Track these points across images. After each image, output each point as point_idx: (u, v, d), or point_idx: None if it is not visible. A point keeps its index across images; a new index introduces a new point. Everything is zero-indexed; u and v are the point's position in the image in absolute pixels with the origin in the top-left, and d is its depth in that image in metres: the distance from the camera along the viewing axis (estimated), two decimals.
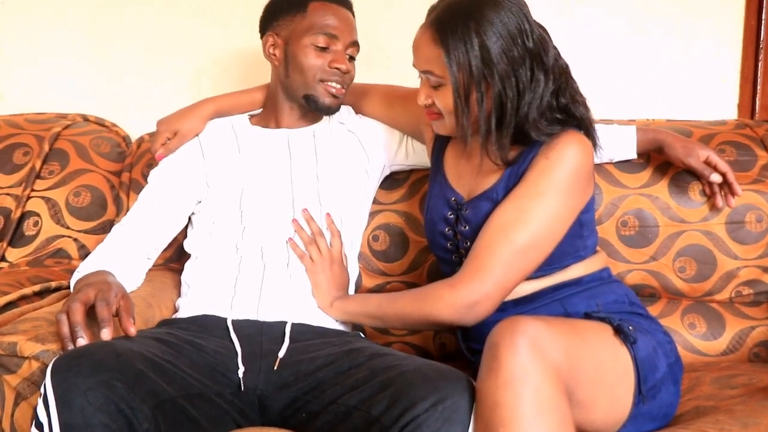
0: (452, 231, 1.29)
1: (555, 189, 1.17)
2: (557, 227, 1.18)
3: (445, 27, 1.16)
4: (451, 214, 1.29)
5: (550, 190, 1.16)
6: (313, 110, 1.45)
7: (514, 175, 1.21)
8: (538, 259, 1.19)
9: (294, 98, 1.45)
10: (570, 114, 1.21)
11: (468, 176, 1.29)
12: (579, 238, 1.23)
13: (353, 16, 1.47)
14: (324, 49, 1.40)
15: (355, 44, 1.44)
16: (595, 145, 1.24)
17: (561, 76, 1.20)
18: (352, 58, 1.45)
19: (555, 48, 1.21)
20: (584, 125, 1.22)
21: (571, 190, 1.18)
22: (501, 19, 1.15)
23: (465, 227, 1.25)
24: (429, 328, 1.51)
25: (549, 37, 1.21)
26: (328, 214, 1.40)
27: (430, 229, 1.34)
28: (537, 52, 1.17)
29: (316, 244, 1.37)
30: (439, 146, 1.38)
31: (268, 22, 1.46)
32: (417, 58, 1.23)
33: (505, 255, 1.16)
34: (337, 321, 1.37)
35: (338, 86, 1.42)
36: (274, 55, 1.45)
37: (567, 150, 1.17)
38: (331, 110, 1.44)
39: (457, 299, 1.17)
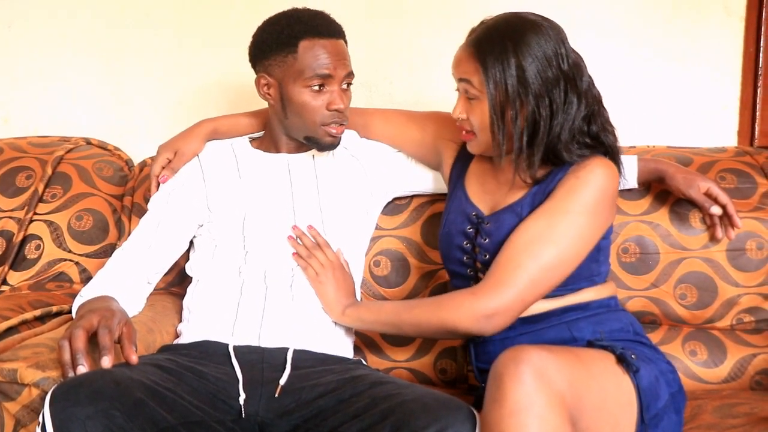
0: (470, 244, 1.30)
1: (583, 208, 1.19)
2: (582, 246, 1.21)
3: (484, 46, 1.21)
4: (470, 228, 1.30)
5: (578, 209, 1.19)
6: (315, 149, 1.44)
7: (541, 193, 1.24)
8: (561, 276, 1.21)
9: (293, 137, 1.45)
10: (599, 141, 1.24)
11: (491, 193, 1.31)
12: (595, 262, 1.25)
13: (345, 40, 1.41)
14: (320, 90, 1.37)
15: (349, 75, 1.40)
16: (619, 173, 1.27)
17: (593, 102, 1.24)
18: (345, 86, 1.41)
19: (589, 76, 1.25)
20: (611, 153, 1.26)
21: (597, 211, 1.20)
22: (538, 41, 1.19)
23: (485, 240, 1.27)
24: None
25: (584, 64, 1.25)
26: (310, 227, 1.40)
27: (446, 243, 1.35)
28: (571, 76, 1.21)
29: (315, 257, 1.37)
30: (461, 165, 1.40)
31: (258, 60, 1.41)
32: (456, 70, 1.27)
33: (530, 269, 1.18)
34: (343, 338, 1.38)
35: (339, 126, 1.39)
36: (269, 94, 1.42)
37: (596, 171, 1.21)
38: (333, 147, 1.43)
39: (477, 308, 1.18)
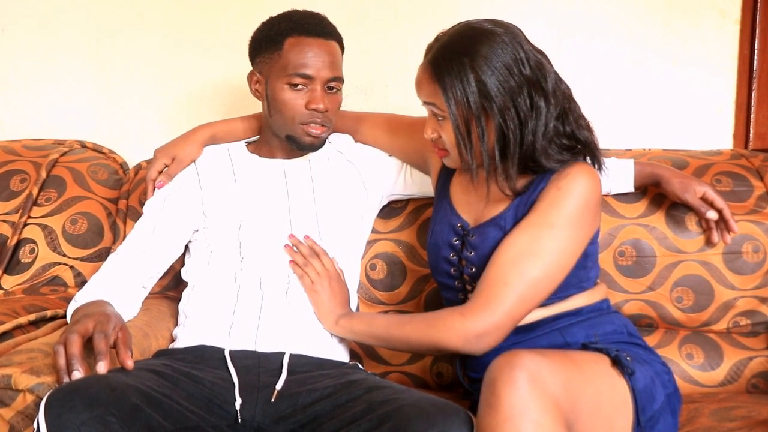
0: (457, 257, 1.29)
1: (566, 220, 1.17)
2: (568, 259, 1.19)
3: (441, 66, 1.18)
4: (456, 240, 1.29)
5: (562, 222, 1.17)
6: (295, 149, 1.44)
7: (523, 204, 1.22)
8: (549, 289, 1.19)
9: (279, 137, 1.44)
10: (576, 139, 1.22)
11: (475, 204, 1.30)
12: (583, 269, 1.24)
13: (338, 42, 1.41)
14: (301, 88, 1.36)
15: (336, 79, 1.38)
16: (600, 168, 1.25)
17: (563, 100, 1.21)
18: (330, 89, 1.39)
19: (555, 72, 1.21)
20: (590, 150, 1.23)
21: (581, 222, 1.19)
22: (494, 51, 1.16)
23: (471, 253, 1.26)
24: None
25: (548, 62, 1.21)
26: (307, 236, 1.40)
27: (434, 255, 1.34)
28: (535, 79, 1.17)
29: (311, 265, 1.37)
30: (446, 174, 1.38)
31: (252, 58, 1.43)
32: (419, 93, 1.25)
33: (517, 286, 1.17)
34: (338, 344, 1.38)
35: (318, 127, 1.38)
36: (258, 91, 1.43)
37: (577, 181, 1.18)
38: (313, 148, 1.42)
39: (467, 328, 1.17)
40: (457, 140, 1.19)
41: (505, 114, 1.16)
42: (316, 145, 1.42)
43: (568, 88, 1.23)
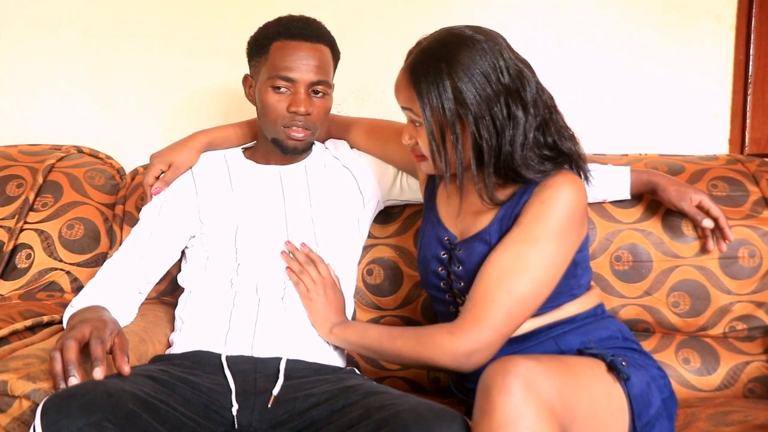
0: (445, 270, 1.28)
1: (551, 234, 1.16)
2: (555, 272, 1.18)
3: (418, 71, 1.17)
4: (444, 254, 1.28)
5: (546, 236, 1.16)
6: (280, 153, 1.43)
7: (507, 217, 1.21)
8: (537, 303, 1.19)
9: (269, 140, 1.44)
10: (558, 150, 1.20)
11: (460, 215, 1.28)
12: (573, 277, 1.23)
13: (329, 46, 1.40)
14: (284, 91, 1.36)
15: (320, 83, 1.37)
16: (587, 179, 1.24)
17: (545, 110, 1.19)
18: (316, 93, 1.38)
19: (537, 82, 1.19)
20: (573, 160, 1.22)
21: (566, 234, 1.17)
22: (473, 58, 1.14)
23: (458, 267, 1.25)
24: (427, 369, 1.52)
25: (530, 71, 1.19)
26: (303, 244, 1.40)
27: (423, 268, 1.33)
28: (514, 88, 1.15)
29: (307, 272, 1.37)
30: (432, 185, 1.38)
31: (248, 63, 1.44)
32: (397, 98, 1.24)
33: (505, 303, 1.15)
34: (334, 350, 1.38)
35: (301, 130, 1.38)
36: (251, 95, 1.44)
37: (561, 192, 1.16)
38: (296, 151, 1.42)
39: (456, 347, 1.16)
40: (431, 147, 1.18)
41: (480, 123, 1.14)
42: (300, 148, 1.41)
43: (551, 98, 1.21)
